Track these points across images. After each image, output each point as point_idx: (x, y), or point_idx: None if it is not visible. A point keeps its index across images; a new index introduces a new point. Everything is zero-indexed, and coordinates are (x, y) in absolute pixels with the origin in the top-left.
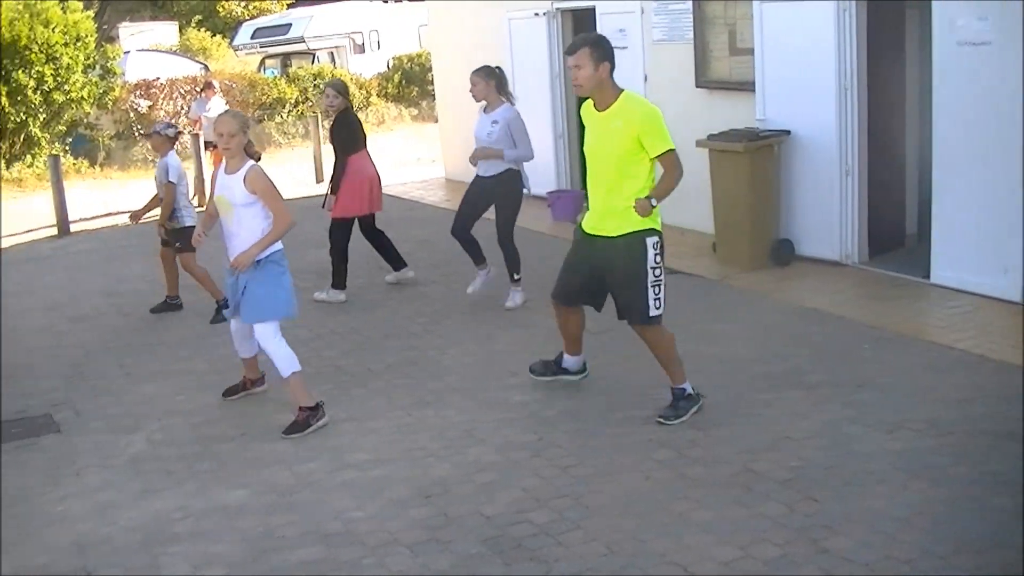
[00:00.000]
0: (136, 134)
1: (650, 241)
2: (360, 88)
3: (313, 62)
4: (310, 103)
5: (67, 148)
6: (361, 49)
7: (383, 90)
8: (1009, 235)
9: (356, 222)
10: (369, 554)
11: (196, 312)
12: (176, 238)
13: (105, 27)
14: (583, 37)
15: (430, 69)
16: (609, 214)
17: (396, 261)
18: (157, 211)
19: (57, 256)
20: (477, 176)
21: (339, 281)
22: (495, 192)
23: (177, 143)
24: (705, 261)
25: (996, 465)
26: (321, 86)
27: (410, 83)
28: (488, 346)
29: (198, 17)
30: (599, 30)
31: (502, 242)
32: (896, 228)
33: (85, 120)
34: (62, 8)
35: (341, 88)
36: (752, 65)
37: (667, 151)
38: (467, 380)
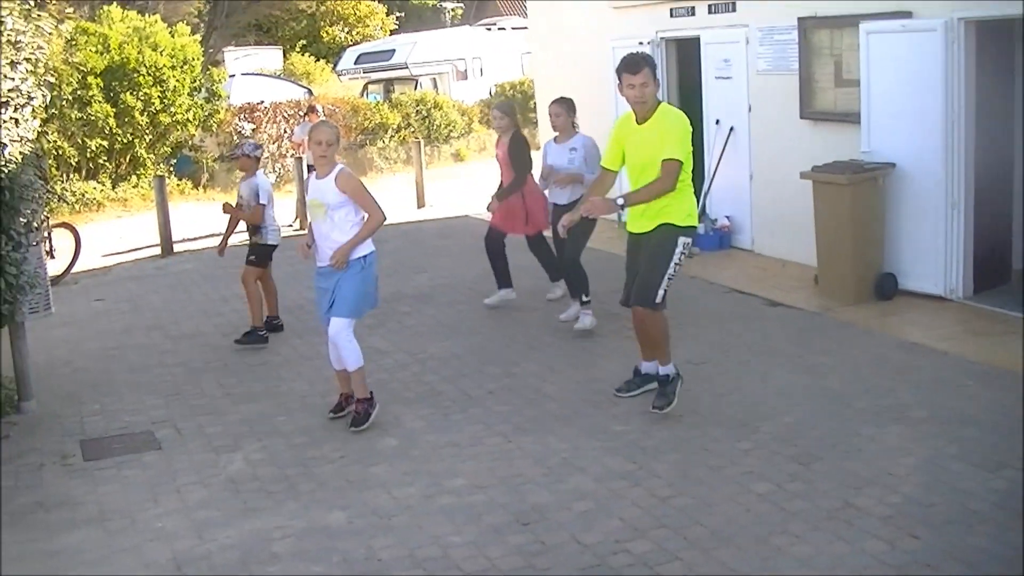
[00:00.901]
0: None
1: (682, 240)
2: (462, 115)
3: (416, 88)
4: (412, 129)
5: (171, 169)
6: (464, 76)
7: (485, 117)
8: None
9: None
10: None
11: (296, 333)
12: (253, 252)
13: (211, 51)
14: (641, 56)
15: (532, 97)
16: (647, 215)
17: (503, 279)
18: (241, 233)
19: (160, 275)
20: (555, 206)
21: (555, 275)
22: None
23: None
24: (807, 293)
25: None
26: (424, 111)
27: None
28: (588, 373)
29: (302, 42)
30: (704, 59)
31: (569, 263)
32: (1002, 263)
33: (190, 142)
34: (170, 32)
35: (508, 109)
36: (858, 96)
37: (672, 159)
38: (566, 407)
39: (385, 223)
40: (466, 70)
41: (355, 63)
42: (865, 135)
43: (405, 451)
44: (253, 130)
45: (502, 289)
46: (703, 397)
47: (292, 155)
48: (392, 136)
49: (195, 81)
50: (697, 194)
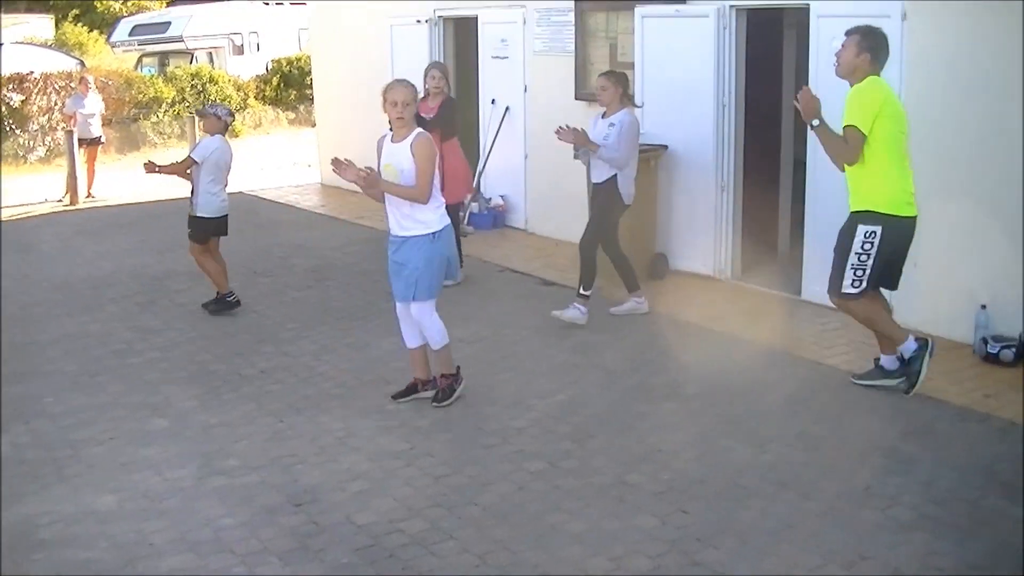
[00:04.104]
0: (8, 128)
1: (862, 228)
2: (238, 90)
3: (191, 62)
4: (187, 103)
5: None
6: (240, 50)
7: (261, 92)
8: None
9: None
10: (239, 562)
11: (68, 312)
12: (188, 224)
13: None
14: (859, 27)
15: (309, 73)
16: (849, 191)
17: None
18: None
19: None
20: (593, 184)
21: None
22: (596, 199)
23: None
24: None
25: (864, 480)
26: (199, 86)
27: (288, 86)
28: (363, 353)
29: (75, 11)
30: (481, 39)
31: (582, 247)
32: (769, 245)
33: None
34: None
35: (446, 71)
36: (632, 79)
37: (846, 125)
38: (340, 387)
39: (421, 202)
40: (243, 45)
41: (130, 35)
42: (639, 118)
43: (177, 432)
44: (22, 102)
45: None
46: (477, 376)
47: (63, 128)
48: (166, 110)
49: None
50: (473, 172)
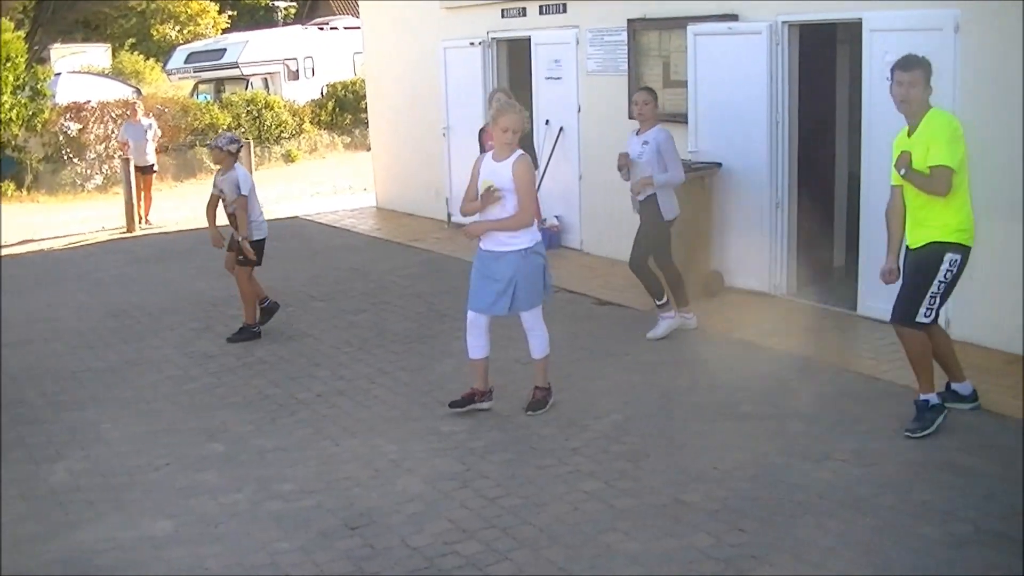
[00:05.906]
0: (65, 157)
1: (948, 256)
2: (293, 115)
3: (247, 88)
4: (242, 129)
5: None
6: (295, 75)
7: (316, 117)
8: None
9: None
10: None
11: (124, 339)
12: (241, 250)
13: (36, 48)
14: (918, 58)
15: (364, 97)
16: (916, 229)
17: None
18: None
19: None
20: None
21: None
22: (641, 216)
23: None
24: (635, 292)
25: (921, 495)
26: (254, 112)
27: (344, 110)
28: (419, 376)
29: (131, 40)
30: (535, 60)
31: (632, 267)
32: (824, 260)
33: (13, 142)
34: None
35: (511, 96)
36: (685, 97)
37: (939, 165)
38: (395, 410)
39: (530, 228)
40: (298, 70)
41: (185, 62)
42: (692, 135)
43: (233, 456)
44: (79, 130)
45: None
46: (528, 398)
47: (119, 156)
48: None
49: (19, 79)
50: None
